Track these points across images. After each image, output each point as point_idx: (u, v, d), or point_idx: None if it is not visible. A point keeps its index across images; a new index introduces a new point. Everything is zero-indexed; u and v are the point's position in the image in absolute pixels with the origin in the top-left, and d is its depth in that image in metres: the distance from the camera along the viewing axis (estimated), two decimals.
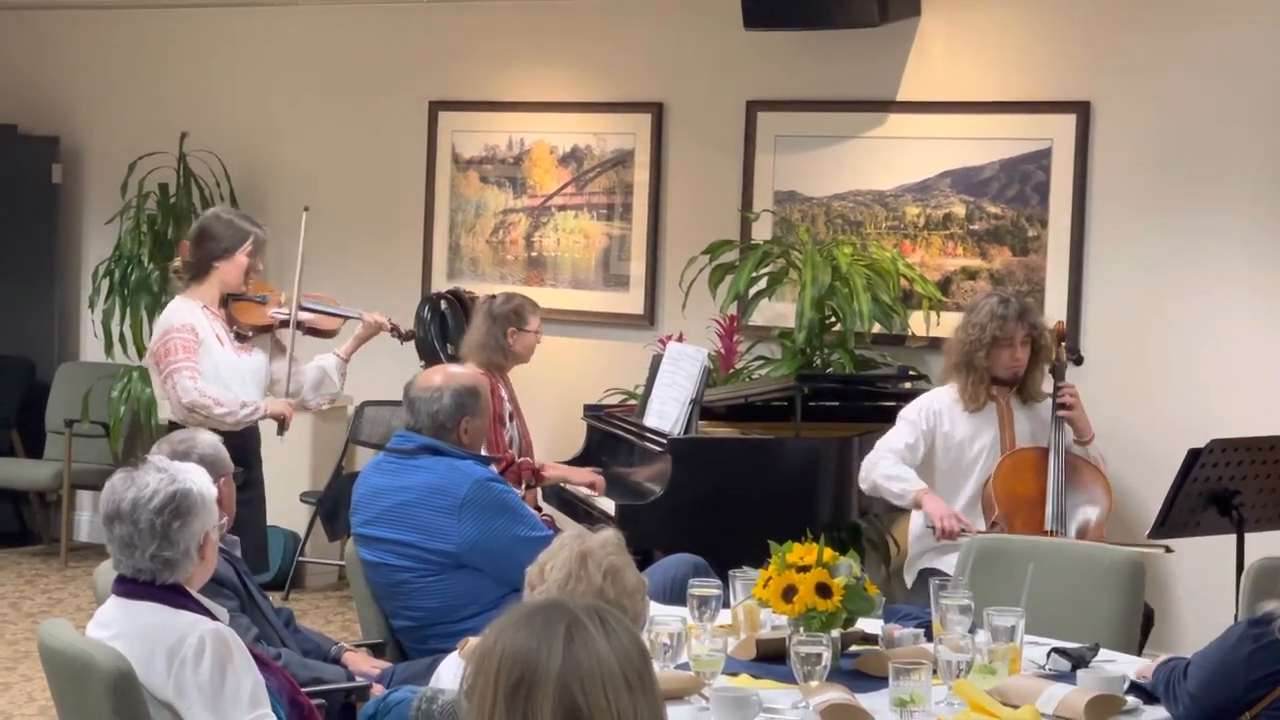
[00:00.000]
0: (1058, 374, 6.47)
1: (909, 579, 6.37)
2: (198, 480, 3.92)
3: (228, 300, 6.27)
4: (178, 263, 6.39)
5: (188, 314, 6.18)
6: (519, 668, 2.31)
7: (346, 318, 6.63)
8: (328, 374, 6.51)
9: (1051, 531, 6.15)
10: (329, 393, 6.57)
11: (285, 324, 6.39)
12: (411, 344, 7.74)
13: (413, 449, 5.39)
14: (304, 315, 6.45)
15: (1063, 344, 6.62)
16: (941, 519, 6.11)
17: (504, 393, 6.89)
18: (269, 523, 6.66)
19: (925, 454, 6.33)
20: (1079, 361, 6.94)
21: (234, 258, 6.23)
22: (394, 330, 6.73)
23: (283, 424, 6.33)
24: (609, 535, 3.94)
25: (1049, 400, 6.42)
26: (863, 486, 6.40)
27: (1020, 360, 6.36)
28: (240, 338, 6.30)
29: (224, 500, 4.43)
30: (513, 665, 2.31)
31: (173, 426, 6.02)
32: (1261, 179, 7.02)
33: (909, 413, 6.38)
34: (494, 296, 7.12)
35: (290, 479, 8.28)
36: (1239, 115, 7.06)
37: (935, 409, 6.36)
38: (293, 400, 6.40)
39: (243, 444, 6.04)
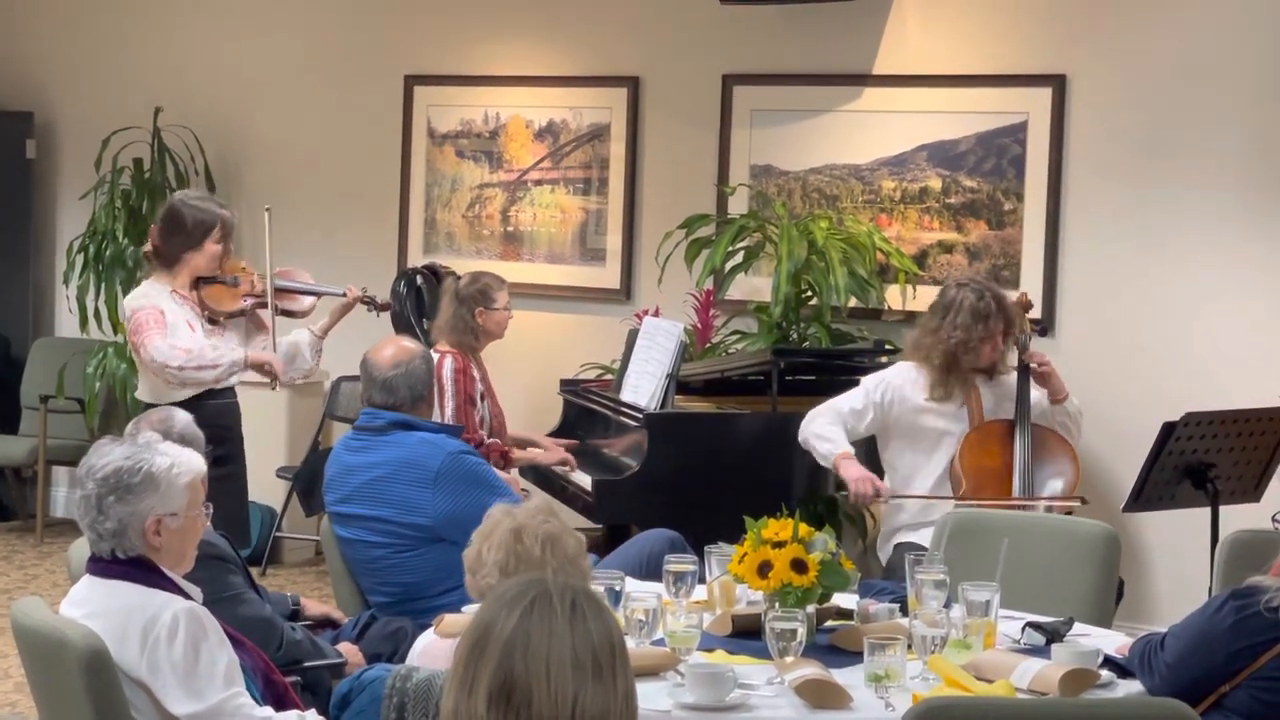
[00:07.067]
0: (1021, 346, 6.41)
1: (884, 554, 6.36)
2: (164, 463, 3.82)
3: (199, 283, 6.25)
4: (149, 247, 6.37)
5: (155, 297, 6.17)
6: (478, 630, 2.38)
7: (319, 294, 6.62)
8: (300, 350, 6.49)
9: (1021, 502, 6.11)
10: (301, 368, 6.56)
11: (258, 306, 6.37)
12: (388, 318, 7.72)
13: (383, 425, 5.38)
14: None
15: (1027, 316, 6.58)
16: (856, 482, 6.09)
17: (475, 373, 6.87)
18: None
19: (871, 424, 6.28)
20: (1043, 333, 6.93)
21: (203, 248, 6.22)
22: (369, 302, 6.71)
23: (273, 376, 6.27)
24: (538, 503, 3.89)
25: (1014, 373, 6.38)
26: (799, 438, 6.34)
27: (1000, 349, 6.32)
28: (212, 321, 6.27)
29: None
30: (476, 628, 2.38)
31: (151, 406, 6.00)
32: (1237, 152, 7.02)
33: (868, 382, 6.35)
34: (459, 277, 7.10)
35: (266, 454, 8.25)
36: (1215, 89, 7.05)
37: (895, 384, 6.32)
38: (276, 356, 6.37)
39: (222, 421, 6.03)
